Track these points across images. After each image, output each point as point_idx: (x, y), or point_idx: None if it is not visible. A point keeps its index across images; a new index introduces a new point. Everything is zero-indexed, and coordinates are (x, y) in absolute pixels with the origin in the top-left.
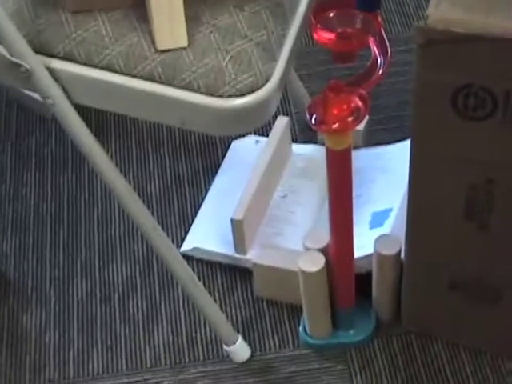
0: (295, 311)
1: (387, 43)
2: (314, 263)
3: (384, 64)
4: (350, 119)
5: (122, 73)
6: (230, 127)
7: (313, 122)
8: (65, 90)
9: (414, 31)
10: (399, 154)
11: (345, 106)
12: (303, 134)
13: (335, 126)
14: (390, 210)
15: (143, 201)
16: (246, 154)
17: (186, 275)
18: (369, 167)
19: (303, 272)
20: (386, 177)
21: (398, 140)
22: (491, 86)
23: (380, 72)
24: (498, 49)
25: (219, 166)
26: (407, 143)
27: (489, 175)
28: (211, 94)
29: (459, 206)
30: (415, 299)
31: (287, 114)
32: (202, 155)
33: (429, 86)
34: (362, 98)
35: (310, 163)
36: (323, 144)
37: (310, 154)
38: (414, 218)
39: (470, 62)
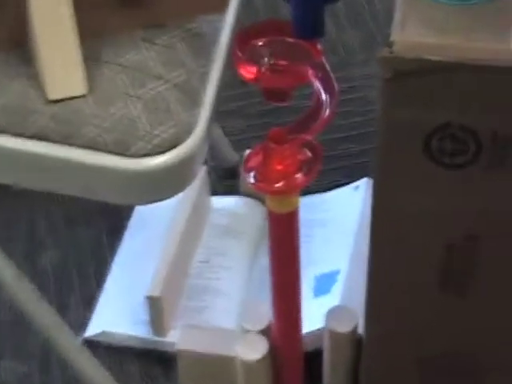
0: None
1: (332, 77)
2: (255, 349)
3: (330, 103)
4: (298, 175)
5: (4, 131)
6: (147, 194)
7: (252, 180)
8: None
9: (377, 62)
10: (339, 203)
11: (290, 160)
12: (220, 182)
13: (279, 184)
14: (337, 272)
15: (35, 278)
16: (157, 213)
17: (91, 368)
18: (303, 221)
19: (242, 361)
20: (324, 231)
21: (337, 186)
22: (473, 124)
23: (327, 113)
24: (483, 78)
25: (125, 228)
26: (347, 189)
27: (470, 231)
28: (121, 153)
29: (432, 269)
30: (376, 381)
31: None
32: (104, 215)
33: (396, 126)
34: (311, 148)
35: (233, 219)
36: (246, 195)
37: (233, 207)
38: (375, 286)
39: (446, 96)
